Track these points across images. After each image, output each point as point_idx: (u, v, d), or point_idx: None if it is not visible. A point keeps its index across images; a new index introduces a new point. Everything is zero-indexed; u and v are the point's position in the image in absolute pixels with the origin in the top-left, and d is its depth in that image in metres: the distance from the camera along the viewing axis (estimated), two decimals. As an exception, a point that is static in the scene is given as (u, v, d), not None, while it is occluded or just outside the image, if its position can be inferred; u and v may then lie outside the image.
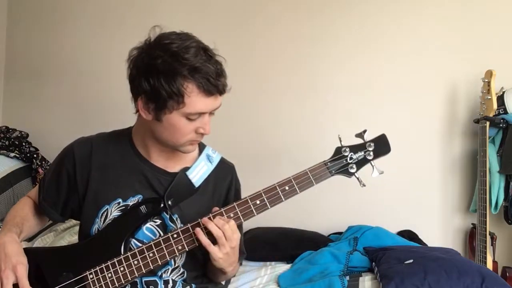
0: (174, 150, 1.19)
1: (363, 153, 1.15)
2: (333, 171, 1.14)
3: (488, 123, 1.97)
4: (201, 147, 1.27)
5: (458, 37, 2.20)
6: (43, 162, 2.39)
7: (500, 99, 2.03)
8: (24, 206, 1.26)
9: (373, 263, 1.70)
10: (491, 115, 1.98)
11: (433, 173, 2.24)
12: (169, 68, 1.03)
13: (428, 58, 2.23)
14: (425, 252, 1.68)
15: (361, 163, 1.16)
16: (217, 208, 1.12)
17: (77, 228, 2.02)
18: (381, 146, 1.16)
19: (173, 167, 1.21)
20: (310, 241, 2.05)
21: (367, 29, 2.29)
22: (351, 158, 1.15)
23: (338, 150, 1.16)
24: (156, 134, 1.14)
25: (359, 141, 1.16)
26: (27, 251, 1.12)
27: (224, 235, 1.07)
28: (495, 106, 1.96)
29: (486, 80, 1.99)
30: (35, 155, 2.37)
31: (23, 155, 2.35)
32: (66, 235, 2.02)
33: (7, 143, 2.36)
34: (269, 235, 2.08)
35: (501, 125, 2.01)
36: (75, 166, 1.20)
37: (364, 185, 1.15)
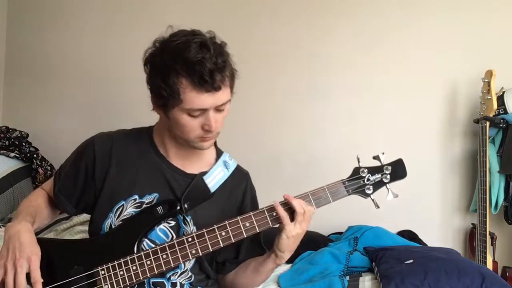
0: (190, 150, 1.19)
1: (380, 175, 1.18)
2: (350, 191, 1.17)
3: (488, 123, 1.97)
4: (219, 152, 1.28)
5: (458, 37, 2.21)
6: (43, 162, 2.39)
7: (500, 99, 2.03)
8: (38, 197, 1.26)
9: (373, 263, 1.70)
10: (491, 115, 1.98)
11: (433, 173, 2.24)
12: (164, 66, 1.06)
13: (428, 58, 2.23)
14: (425, 252, 1.67)
15: (377, 185, 1.18)
16: (288, 195, 1.13)
17: (77, 228, 2.03)
18: (398, 170, 1.19)
19: (191, 168, 1.21)
20: (310, 241, 2.04)
21: (368, 30, 2.29)
22: (368, 180, 1.17)
23: (356, 171, 1.18)
24: (170, 130, 1.16)
25: (372, 160, 1.18)
26: (40, 241, 1.11)
27: (304, 213, 1.10)
28: (495, 106, 1.97)
29: (486, 80, 1.99)
30: (35, 155, 2.37)
31: (23, 155, 2.35)
32: (66, 235, 2.02)
33: (7, 143, 2.36)
34: (269, 235, 2.07)
35: (501, 125, 2.01)
36: (94, 161, 1.19)
37: (378, 207, 1.17)
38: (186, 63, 1.03)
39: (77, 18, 2.59)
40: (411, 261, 1.56)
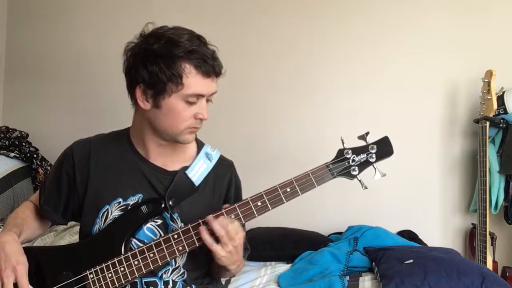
0: (172, 147, 1.19)
1: (365, 155, 1.14)
2: (335, 173, 1.13)
3: (488, 123, 1.97)
4: (200, 145, 1.27)
5: (458, 37, 2.21)
6: (43, 162, 2.39)
7: (500, 99, 2.03)
8: (26, 209, 1.27)
9: (373, 263, 1.70)
10: (491, 115, 1.98)
11: (433, 173, 2.24)
12: (166, 52, 1.07)
13: (428, 58, 2.23)
14: (425, 252, 1.67)
15: (363, 166, 1.14)
16: (227, 205, 1.12)
17: (77, 228, 2.03)
18: (384, 148, 1.15)
19: (172, 166, 1.21)
20: (310, 241, 2.05)
21: (367, 30, 2.29)
22: (353, 160, 1.14)
23: (341, 152, 1.15)
24: (155, 124, 1.14)
25: (361, 143, 1.16)
26: (27, 250, 1.12)
27: (227, 234, 1.06)
28: (495, 106, 1.97)
29: (486, 80, 1.99)
30: (35, 155, 2.37)
31: (23, 155, 2.35)
32: (66, 235, 2.02)
33: (7, 143, 2.36)
34: (269, 235, 2.08)
35: (501, 125, 2.01)
36: (74, 168, 1.20)
37: (366, 188, 1.14)
38: (186, 49, 1.07)
39: (78, 18, 2.59)
40: (411, 261, 1.56)
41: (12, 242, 1.10)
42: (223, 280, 1.41)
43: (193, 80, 1.08)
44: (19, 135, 2.43)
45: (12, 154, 2.32)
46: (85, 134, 1.27)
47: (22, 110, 2.65)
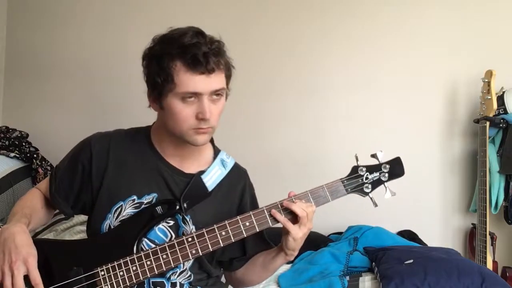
0: (188, 149, 1.19)
1: (378, 174, 1.18)
2: (349, 189, 1.17)
3: (488, 123, 1.97)
4: (216, 151, 1.27)
5: (458, 37, 2.21)
6: (43, 162, 2.39)
7: (500, 99, 2.03)
8: (33, 198, 1.25)
9: (373, 263, 1.70)
10: (491, 115, 1.98)
11: (433, 173, 2.24)
12: (160, 51, 1.07)
13: (428, 58, 2.23)
14: (425, 252, 1.68)
15: (376, 184, 1.19)
16: (294, 193, 1.14)
17: (77, 228, 2.03)
18: (396, 168, 1.19)
19: (189, 168, 1.21)
20: (310, 241, 2.04)
21: (367, 30, 2.29)
22: (366, 178, 1.18)
23: (355, 169, 1.18)
24: (165, 125, 1.15)
25: (367, 158, 1.18)
26: (37, 242, 1.10)
27: (307, 216, 1.11)
28: (495, 106, 1.97)
29: (486, 80, 1.99)
30: (35, 155, 2.37)
31: (23, 155, 2.35)
32: (66, 235, 2.02)
33: (7, 143, 2.36)
34: (269, 234, 2.08)
35: (501, 125, 2.01)
36: (91, 160, 1.19)
37: (376, 205, 1.18)
38: (180, 46, 1.05)
39: (77, 17, 2.58)
40: (411, 261, 1.56)
41: (22, 233, 1.08)
42: (223, 279, 1.41)
43: (184, 77, 1.05)
44: (19, 135, 2.43)
45: (12, 154, 2.32)
46: (85, 134, 1.27)
47: (22, 110, 2.65)
